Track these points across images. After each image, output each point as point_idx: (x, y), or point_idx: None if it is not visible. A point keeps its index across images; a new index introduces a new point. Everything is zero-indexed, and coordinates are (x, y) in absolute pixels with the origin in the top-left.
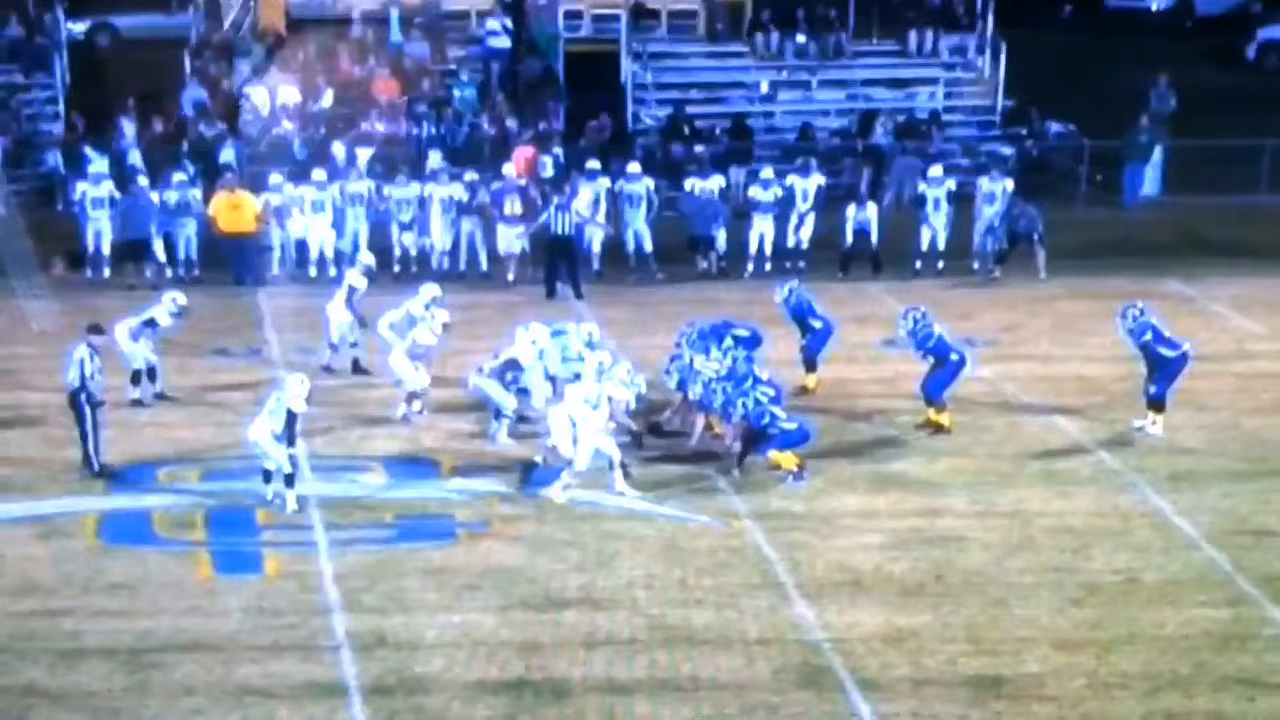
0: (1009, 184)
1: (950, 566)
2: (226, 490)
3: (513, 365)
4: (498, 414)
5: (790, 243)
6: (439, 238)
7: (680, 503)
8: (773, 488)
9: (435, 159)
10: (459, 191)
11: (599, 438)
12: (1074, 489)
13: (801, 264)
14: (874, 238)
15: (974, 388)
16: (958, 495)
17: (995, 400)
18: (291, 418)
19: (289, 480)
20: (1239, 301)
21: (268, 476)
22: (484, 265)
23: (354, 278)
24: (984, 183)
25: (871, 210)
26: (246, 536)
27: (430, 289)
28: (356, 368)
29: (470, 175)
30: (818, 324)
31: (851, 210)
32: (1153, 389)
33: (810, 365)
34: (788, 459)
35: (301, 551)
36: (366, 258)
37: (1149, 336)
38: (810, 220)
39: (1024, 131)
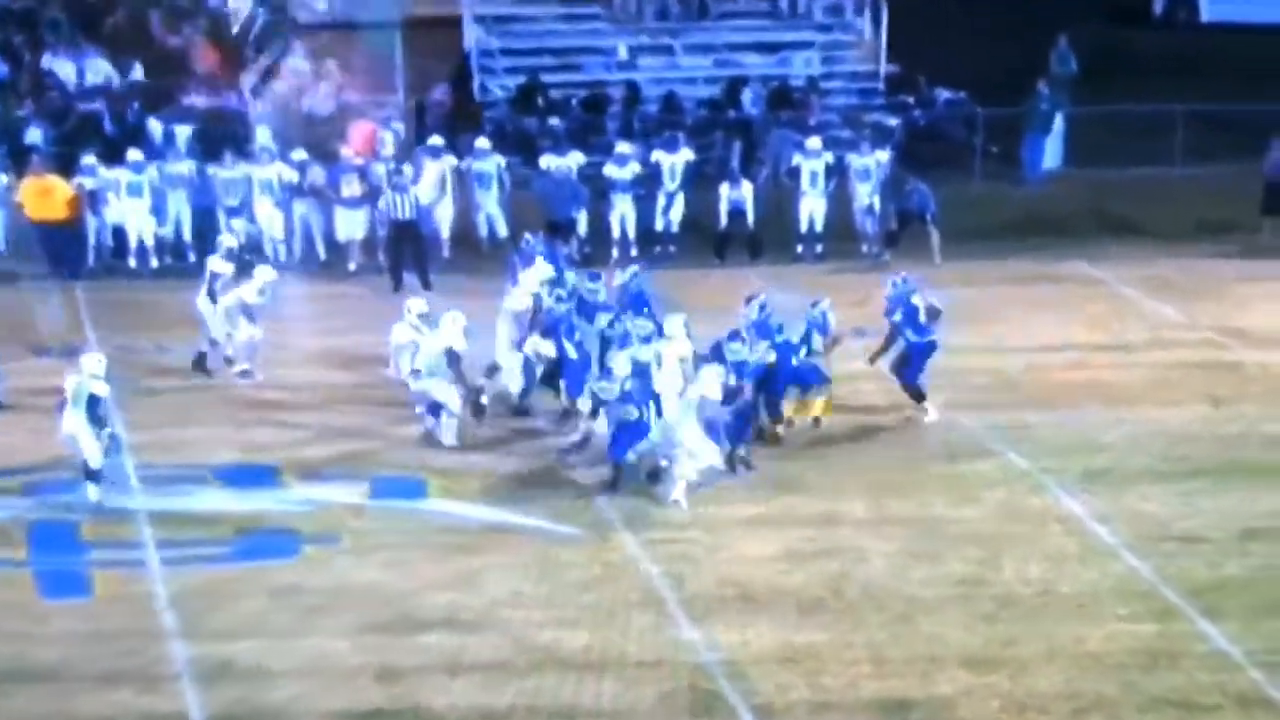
0: (882, 157)
1: (849, 579)
2: (49, 503)
3: (452, 357)
4: (435, 410)
5: (659, 225)
6: (267, 223)
7: (549, 512)
8: (651, 495)
9: (264, 135)
10: (286, 172)
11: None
12: (981, 492)
13: (672, 248)
14: (750, 218)
15: (868, 384)
16: (855, 501)
17: (892, 398)
18: (94, 400)
19: (93, 475)
20: (1153, 284)
21: (92, 475)
22: (322, 253)
23: (215, 263)
24: (854, 159)
25: (746, 188)
26: (72, 555)
27: (265, 272)
28: (199, 364)
29: (299, 154)
30: None
31: (724, 189)
32: (904, 376)
33: None
34: None
35: (132, 571)
36: (229, 240)
37: (899, 315)
38: (679, 200)
39: (910, 100)
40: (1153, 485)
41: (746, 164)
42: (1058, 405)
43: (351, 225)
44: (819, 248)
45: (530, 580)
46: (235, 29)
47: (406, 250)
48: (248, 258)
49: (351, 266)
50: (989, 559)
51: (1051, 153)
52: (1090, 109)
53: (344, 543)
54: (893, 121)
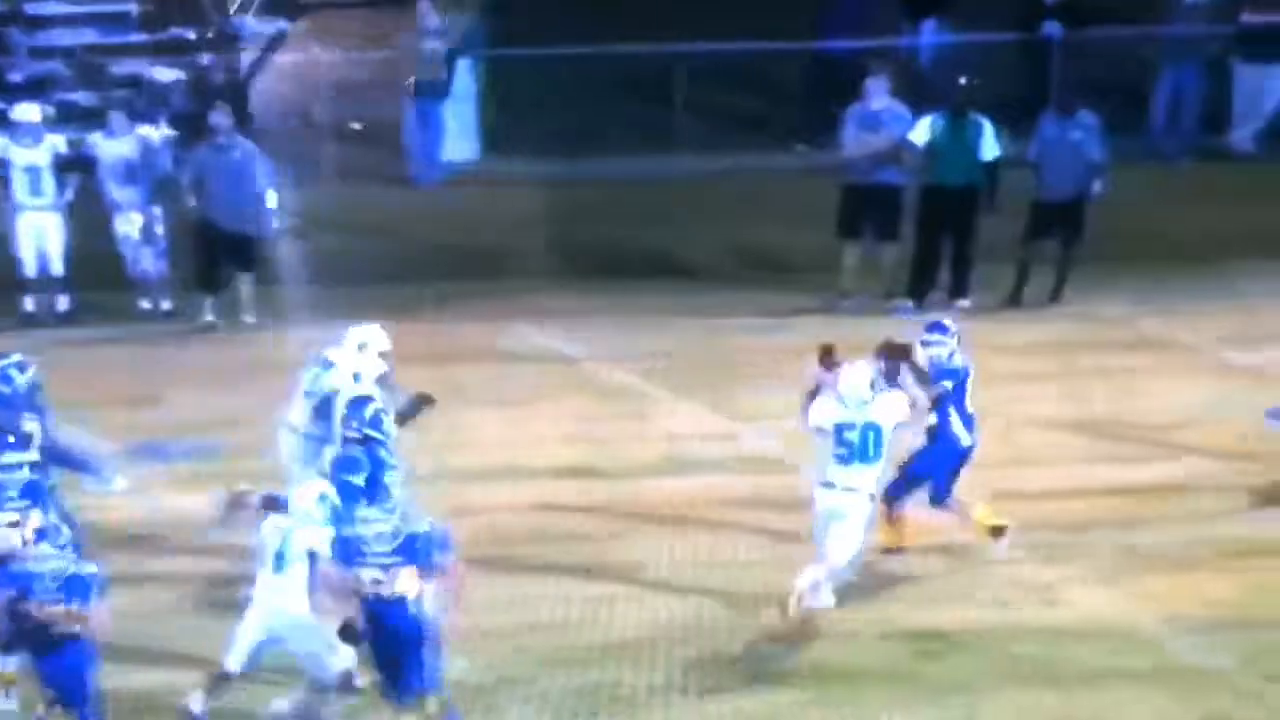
0: (152, 135)
1: None
2: None
3: None
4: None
5: None
6: None
7: None
8: None
9: None
10: None
11: None
12: None
13: None
14: None
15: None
16: None
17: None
18: None
19: None
20: (656, 363)
21: None
22: None
23: None
24: (102, 143)
25: None
26: None
27: None
28: None
29: None
30: None
31: None
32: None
33: None
34: None
35: None
36: None
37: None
38: None
39: (191, 35)
40: None
41: None
42: (496, 570)
43: None
44: (63, 301)
45: None
46: None
47: None
48: None
49: None
50: None
51: (459, 135)
52: (524, 53)
53: None
54: (169, 75)
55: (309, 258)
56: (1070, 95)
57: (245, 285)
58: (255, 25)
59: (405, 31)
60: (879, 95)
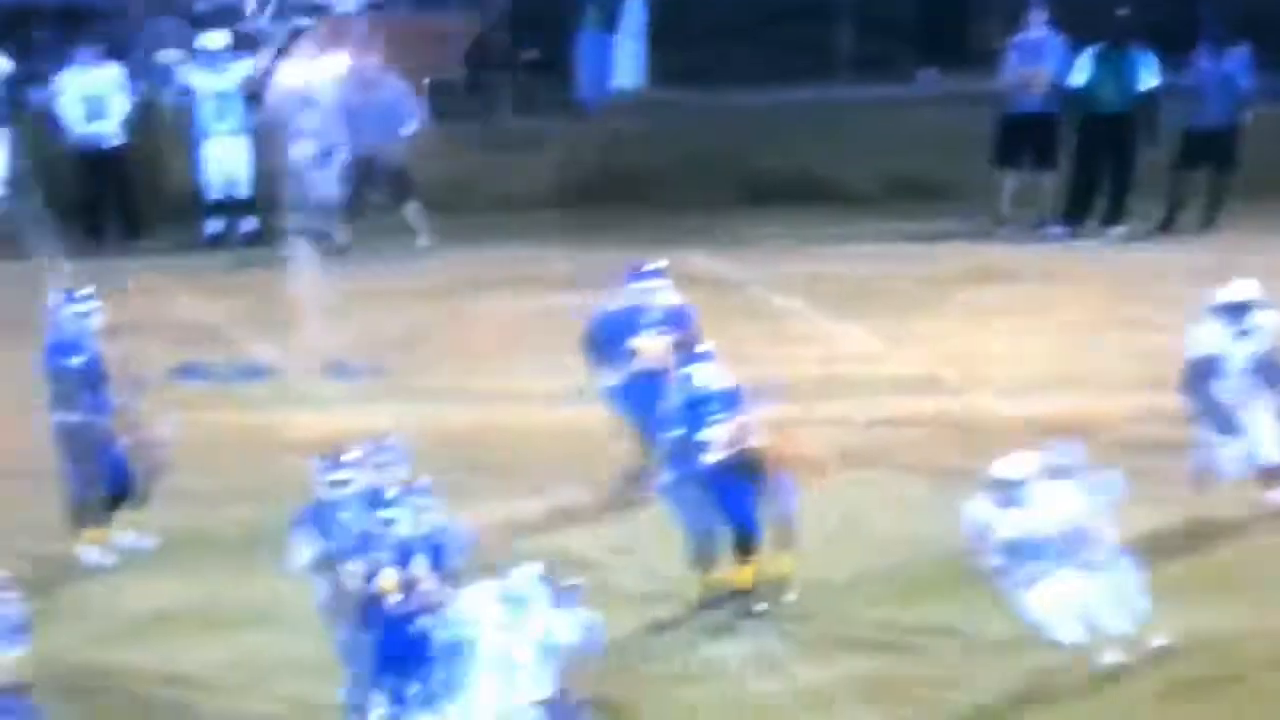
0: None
1: None
2: None
3: None
4: None
5: None
6: None
7: None
8: None
9: None
10: None
11: None
12: None
13: None
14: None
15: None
16: None
17: None
18: None
19: None
20: (821, 287)
21: None
22: None
23: None
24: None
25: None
26: None
27: None
28: None
29: None
30: None
31: None
32: None
33: None
34: None
35: None
36: None
37: None
38: None
39: None
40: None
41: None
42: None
43: None
44: (248, 224)
45: None
46: None
47: None
48: None
49: None
50: None
51: (627, 62)
52: None
53: None
54: (350, 4)
55: (478, 184)
56: (1222, 28)
57: (411, 210)
58: None
59: None
60: (1038, 25)
